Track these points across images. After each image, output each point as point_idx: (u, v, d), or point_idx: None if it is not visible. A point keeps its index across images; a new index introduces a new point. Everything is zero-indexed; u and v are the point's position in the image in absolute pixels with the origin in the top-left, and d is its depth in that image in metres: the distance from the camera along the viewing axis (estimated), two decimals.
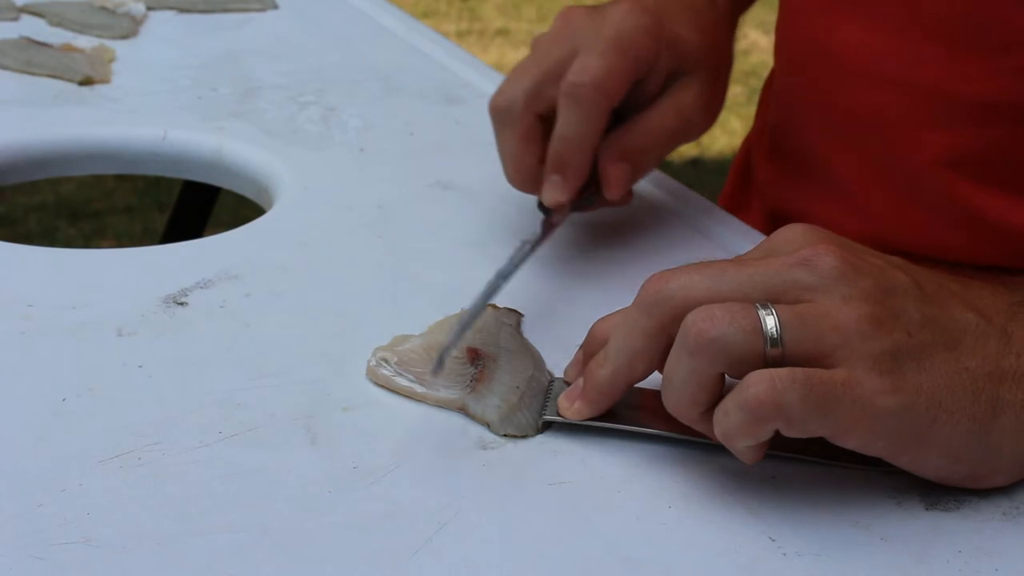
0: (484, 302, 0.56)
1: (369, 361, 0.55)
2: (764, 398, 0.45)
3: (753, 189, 0.86)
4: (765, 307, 0.46)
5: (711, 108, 0.70)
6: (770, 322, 0.46)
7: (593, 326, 0.54)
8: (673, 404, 0.48)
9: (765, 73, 0.87)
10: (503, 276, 0.58)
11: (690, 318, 0.46)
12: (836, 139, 0.73)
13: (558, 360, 0.56)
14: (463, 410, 0.53)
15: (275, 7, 1.09)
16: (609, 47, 0.64)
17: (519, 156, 0.66)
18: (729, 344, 0.46)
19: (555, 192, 0.65)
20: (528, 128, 0.65)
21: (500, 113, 0.65)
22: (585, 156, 0.64)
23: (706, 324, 0.46)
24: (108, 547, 0.44)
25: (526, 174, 0.66)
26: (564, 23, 0.66)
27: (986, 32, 0.65)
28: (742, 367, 0.46)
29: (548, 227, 0.64)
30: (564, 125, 0.64)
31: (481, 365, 0.55)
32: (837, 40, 0.71)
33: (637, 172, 0.67)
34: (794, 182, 0.78)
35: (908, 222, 0.70)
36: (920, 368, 0.46)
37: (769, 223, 0.80)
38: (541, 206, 0.66)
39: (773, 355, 0.46)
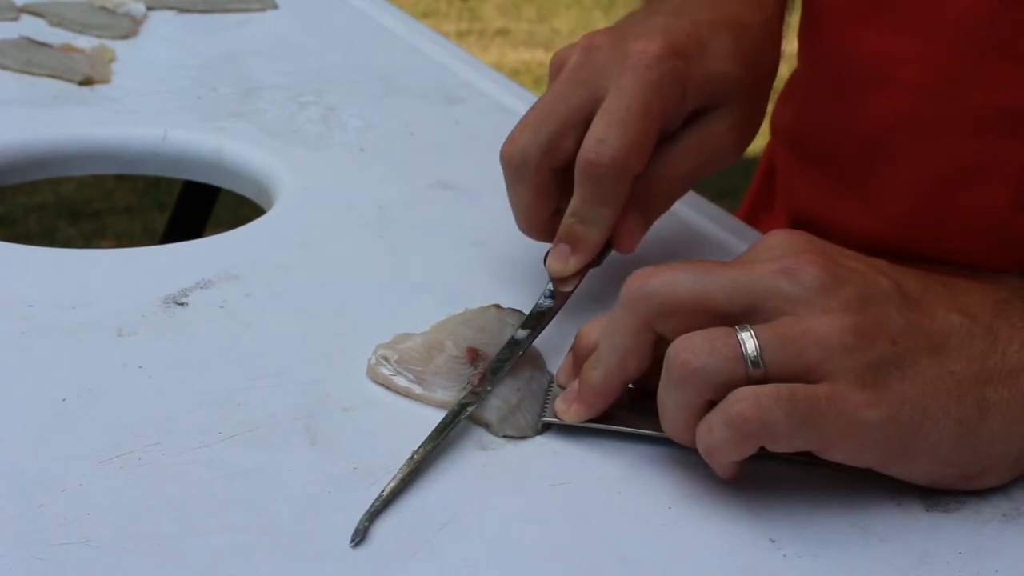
0: (499, 377, 0.54)
1: (370, 359, 0.55)
2: (749, 415, 0.45)
3: (776, 193, 0.86)
4: (744, 329, 0.46)
5: (744, 138, 0.65)
6: (750, 346, 0.46)
7: (581, 329, 0.53)
8: (668, 430, 0.49)
9: None
10: (518, 347, 0.56)
11: (671, 350, 0.47)
12: (862, 147, 0.73)
13: (558, 361, 0.56)
14: None
15: (275, 7, 1.09)
16: (633, 113, 0.58)
17: (533, 210, 0.61)
18: (711, 374, 0.46)
19: (563, 263, 0.60)
20: (543, 183, 0.60)
21: (513, 166, 0.60)
22: (601, 235, 0.60)
23: (687, 355, 0.46)
24: (108, 547, 0.44)
25: (540, 227, 0.62)
26: (585, 57, 0.60)
27: (1014, 36, 0.65)
28: (727, 391, 0.46)
29: (560, 297, 0.60)
30: (581, 204, 0.59)
31: (480, 366, 0.55)
32: (863, 49, 0.71)
33: (650, 220, 0.63)
34: (818, 188, 0.77)
35: (934, 229, 0.70)
36: (904, 377, 0.46)
37: (792, 227, 0.80)
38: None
39: (756, 375, 0.46)
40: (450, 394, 0.53)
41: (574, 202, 0.60)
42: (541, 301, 0.60)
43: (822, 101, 0.76)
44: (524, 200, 0.61)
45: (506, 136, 0.61)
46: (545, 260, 0.62)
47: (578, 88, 0.60)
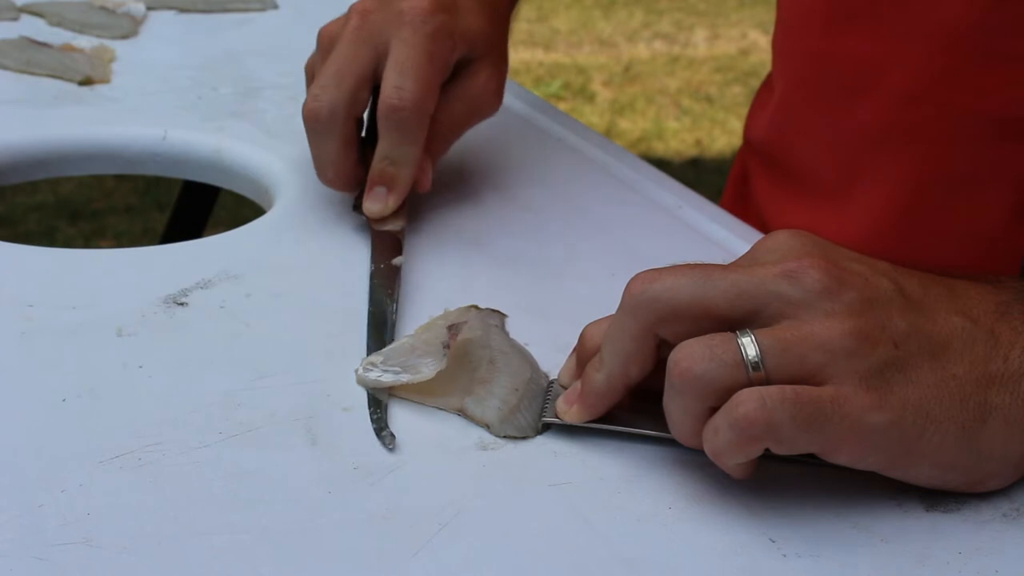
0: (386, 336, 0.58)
1: (357, 370, 0.55)
2: (754, 416, 0.45)
3: (750, 202, 0.85)
4: (744, 334, 0.46)
5: (500, 88, 0.72)
6: (751, 351, 0.46)
7: (584, 329, 0.53)
8: (676, 435, 0.48)
9: (764, 73, 0.87)
10: (389, 307, 0.60)
11: (673, 357, 0.47)
12: (844, 156, 0.72)
13: (559, 360, 0.56)
14: (462, 412, 0.53)
15: (275, 7, 1.09)
16: (419, 61, 0.65)
17: (342, 162, 0.67)
18: (712, 380, 0.46)
19: (382, 203, 0.66)
20: (349, 135, 0.66)
21: (323, 121, 0.65)
22: (411, 172, 0.66)
23: (688, 363, 0.46)
24: (108, 547, 0.44)
25: (348, 178, 0.68)
26: (362, 20, 0.66)
27: (1002, 39, 0.65)
28: (730, 396, 0.46)
29: (384, 240, 0.65)
30: (391, 147, 0.66)
31: (455, 331, 0.55)
32: (843, 54, 0.71)
33: (436, 160, 0.70)
34: (796, 202, 0.77)
35: (923, 240, 0.70)
36: (907, 380, 0.46)
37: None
38: (358, 207, 0.68)
39: (757, 380, 0.46)
40: (435, 366, 0.53)
41: (382, 146, 0.66)
42: (375, 280, 0.62)
43: (801, 110, 0.76)
44: (334, 152, 0.66)
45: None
46: (355, 207, 0.68)
47: (362, 47, 0.66)
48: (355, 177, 0.68)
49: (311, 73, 0.70)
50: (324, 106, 0.65)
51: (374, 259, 0.64)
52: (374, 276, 0.62)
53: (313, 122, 0.66)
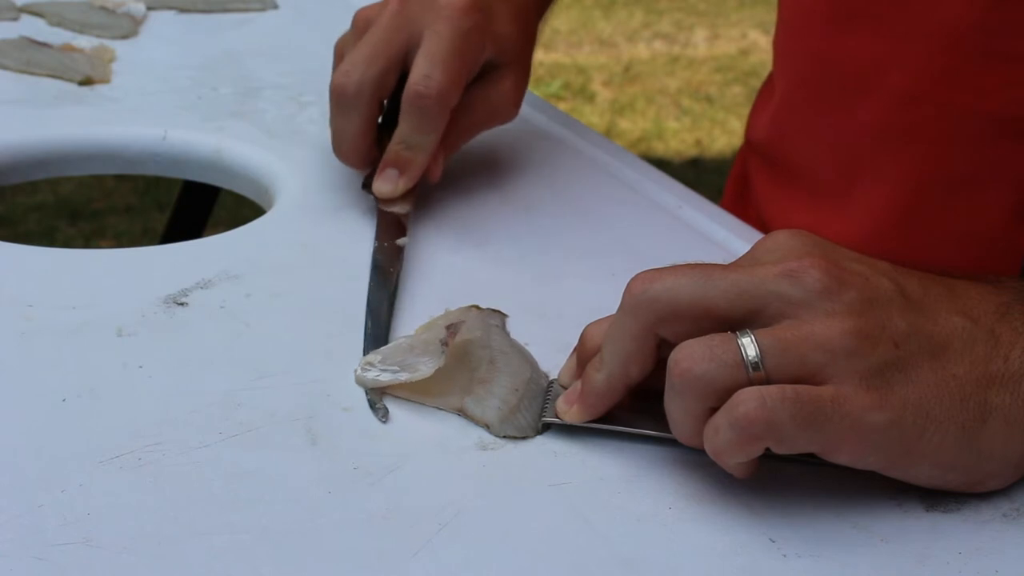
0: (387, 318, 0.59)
1: (355, 370, 0.55)
2: (754, 416, 0.45)
3: (750, 202, 0.85)
4: (745, 334, 0.46)
5: (520, 97, 0.74)
6: (751, 352, 0.46)
7: (585, 329, 0.53)
8: (677, 435, 0.48)
9: (765, 73, 0.87)
10: (389, 284, 0.62)
11: (673, 357, 0.47)
12: (845, 157, 0.73)
13: (558, 361, 0.56)
14: (462, 412, 0.53)
15: (275, 7, 1.09)
16: (450, 54, 0.66)
17: (360, 139, 0.69)
18: (712, 380, 0.46)
19: (392, 185, 0.68)
20: (371, 114, 0.69)
21: (349, 97, 0.67)
22: (425, 159, 0.68)
23: (688, 363, 0.46)
24: (108, 548, 0.44)
25: (363, 155, 0.70)
26: (401, 7, 0.68)
27: (1000, 40, 0.64)
28: (730, 396, 0.46)
29: (389, 220, 0.67)
30: (409, 133, 0.67)
31: (454, 330, 0.55)
32: (844, 54, 0.71)
33: (450, 155, 0.72)
34: (796, 203, 0.77)
35: (923, 240, 0.70)
36: (907, 380, 0.46)
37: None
38: (367, 187, 0.70)
39: (757, 380, 0.46)
40: (433, 364, 0.53)
41: (401, 130, 0.68)
42: (377, 257, 0.64)
43: (802, 110, 0.76)
44: (353, 129, 0.68)
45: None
46: (364, 185, 0.70)
47: (397, 32, 0.68)
48: (367, 156, 0.70)
49: (340, 52, 0.72)
50: (352, 83, 0.67)
51: (378, 237, 0.66)
52: (377, 253, 0.64)
53: (339, 96, 0.68)
